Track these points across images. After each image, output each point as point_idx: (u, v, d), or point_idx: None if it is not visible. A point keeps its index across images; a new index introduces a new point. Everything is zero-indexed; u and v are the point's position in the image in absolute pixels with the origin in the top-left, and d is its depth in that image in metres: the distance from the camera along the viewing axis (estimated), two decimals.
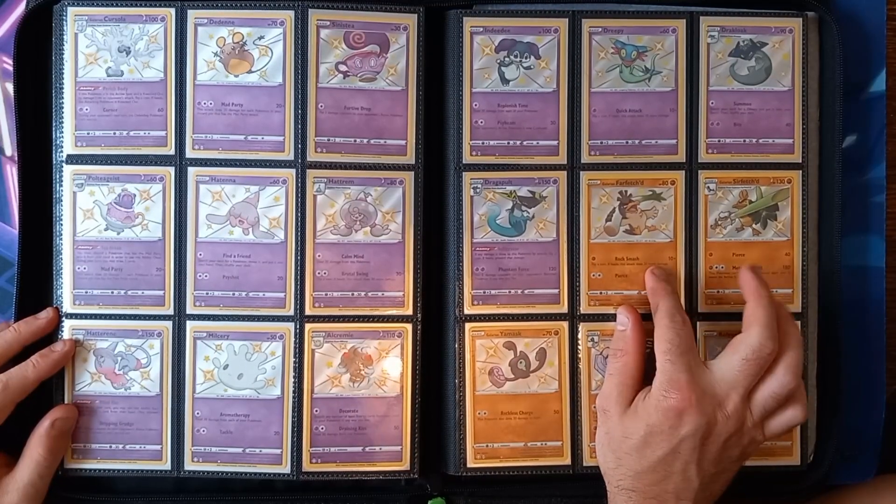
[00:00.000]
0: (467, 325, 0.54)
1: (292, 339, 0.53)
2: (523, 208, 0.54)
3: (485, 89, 0.54)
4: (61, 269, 0.53)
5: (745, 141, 0.54)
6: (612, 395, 0.50)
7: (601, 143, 0.54)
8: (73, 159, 0.53)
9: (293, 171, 0.53)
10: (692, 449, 0.47)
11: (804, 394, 0.49)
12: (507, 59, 0.54)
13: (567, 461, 0.54)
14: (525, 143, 0.54)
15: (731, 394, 0.47)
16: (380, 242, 0.54)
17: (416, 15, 0.53)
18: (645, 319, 0.52)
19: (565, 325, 0.54)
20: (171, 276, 0.53)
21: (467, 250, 0.54)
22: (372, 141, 0.53)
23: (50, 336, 0.53)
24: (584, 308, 0.54)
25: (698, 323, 0.54)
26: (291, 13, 0.53)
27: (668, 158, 0.54)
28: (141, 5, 0.53)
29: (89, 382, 0.54)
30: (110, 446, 0.54)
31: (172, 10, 0.53)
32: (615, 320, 0.53)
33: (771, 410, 0.48)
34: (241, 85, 0.53)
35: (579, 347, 0.54)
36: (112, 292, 0.53)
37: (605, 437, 0.50)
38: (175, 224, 0.53)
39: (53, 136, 0.54)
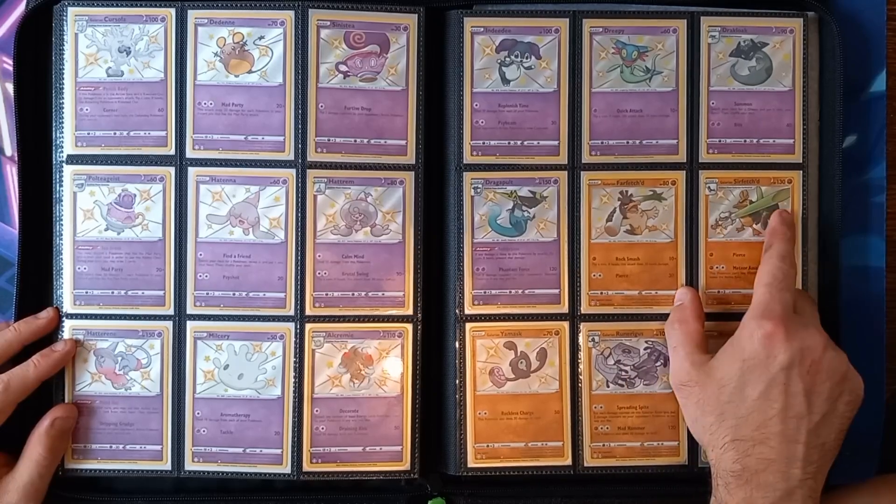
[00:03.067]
0: (468, 325, 0.54)
1: (293, 340, 0.53)
2: (524, 208, 0.54)
3: (485, 89, 0.54)
4: (61, 269, 0.53)
5: (745, 141, 0.54)
6: (685, 366, 0.49)
7: (602, 143, 0.54)
8: (73, 159, 0.53)
9: (293, 171, 0.53)
10: (793, 378, 0.46)
11: None
12: (507, 59, 0.54)
13: (568, 461, 0.54)
14: (526, 143, 0.54)
15: (815, 317, 0.49)
16: (380, 242, 0.54)
17: (416, 15, 0.53)
18: (655, 319, 0.53)
19: (566, 325, 0.54)
20: (171, 277, 0.53)
21: (468, 250, 0.54)
22: (372, 141, 0.53)
23: (50, 336, 0.53)
24: (584, 308, 0.54)
25: None
26: (291, 13, 0.53)
27: (668, 158, 0.54)
28: (141, 5, 0.53)
29: (89, 382, 0.54)
30: (110, 446, 0.54)
31: (172, 11, 0.53)
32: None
33: None
34: (242, 85, 0.53)
35: (580, 347, 0.54)
36: (112, 292, 0.53)
37: (695, 407, 0.49)
38: (175, 224, 0.53)
39: (53, 136, 0.54)
